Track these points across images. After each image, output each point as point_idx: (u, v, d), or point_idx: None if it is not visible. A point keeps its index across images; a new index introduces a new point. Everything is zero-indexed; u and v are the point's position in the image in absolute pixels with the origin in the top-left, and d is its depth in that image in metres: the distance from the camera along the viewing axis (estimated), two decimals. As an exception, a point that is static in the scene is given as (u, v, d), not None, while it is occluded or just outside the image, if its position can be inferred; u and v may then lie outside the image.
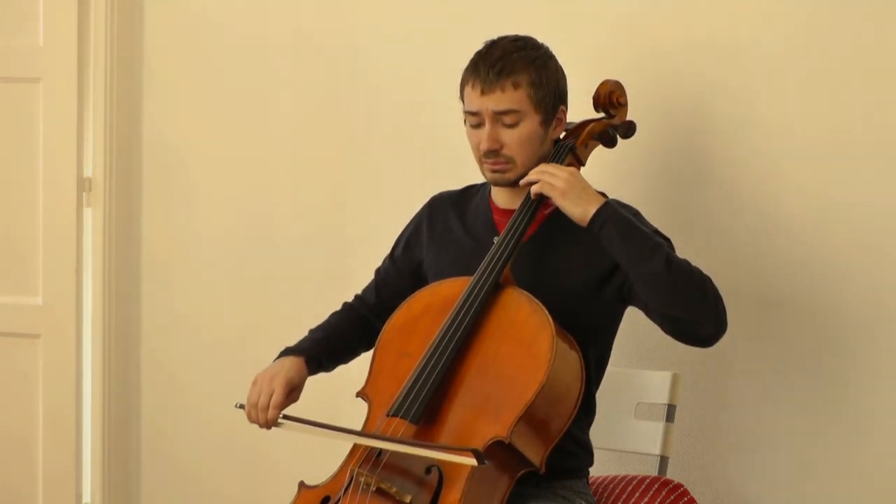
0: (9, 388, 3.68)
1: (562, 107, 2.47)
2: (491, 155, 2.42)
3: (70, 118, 3.59)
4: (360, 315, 2.64)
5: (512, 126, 2.41)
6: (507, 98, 2.39)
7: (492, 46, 2.44)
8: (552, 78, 2.44)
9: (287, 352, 2.53)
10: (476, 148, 2.44)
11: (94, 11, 3.58)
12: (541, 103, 2.42)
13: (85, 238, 3.63)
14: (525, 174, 2.41)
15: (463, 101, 2.47)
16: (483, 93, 2.40)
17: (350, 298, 2.69)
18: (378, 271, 2.67)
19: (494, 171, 2.44)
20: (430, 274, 2.55)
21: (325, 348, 2.56)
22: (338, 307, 2.68)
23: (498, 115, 2.40)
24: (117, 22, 3.57)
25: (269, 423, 2.43)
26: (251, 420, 2.45)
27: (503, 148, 2.41)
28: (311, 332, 2.61)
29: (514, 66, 2.40)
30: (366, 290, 2.67)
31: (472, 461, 2.14)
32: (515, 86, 2.39)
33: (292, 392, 2.46)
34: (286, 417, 2.42)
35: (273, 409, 2.41)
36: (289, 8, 3.40)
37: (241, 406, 2.46)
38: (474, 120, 2.43)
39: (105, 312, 3.60)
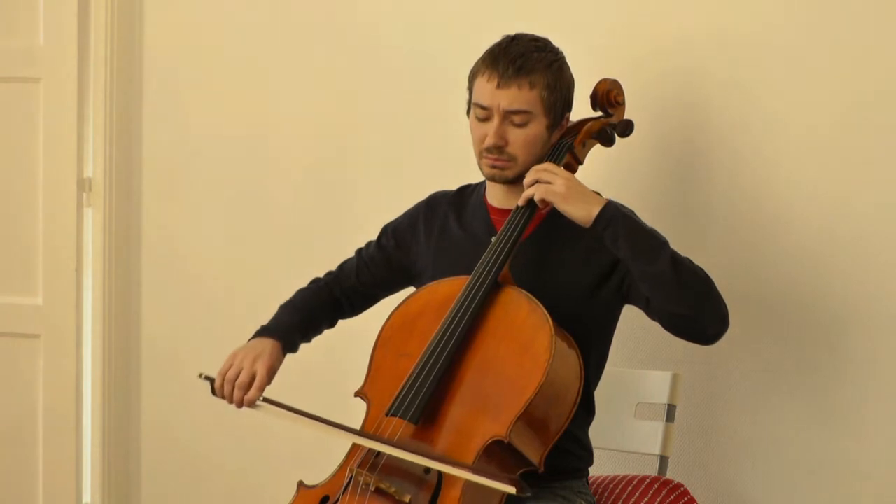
0: (9, 388, 3.68)
1: (567, 114, 2.46)
2: (494, 151, 2.40)
3: (70, 118, 3.59)
4: (333, 296, 2.63)
5: (520, 126, 2.39)
6: (521, 97, 2.37)
7: (512, 42, 2.41)
8: (565, 84, 2.43)
9: (265, 332, 2.52)
10: (479, 141, 2.42)
11: (94, 11, 3.57)
12: (552, 108, 2.41)
13: (85, 238, 3.62)
14: (523, 173, 2.40)
15: (471, 92, 2.44)
16: (499, 86, 2.37)
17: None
18: (360, 254, 2.66)
19: (493, 167, 2.42)
20: (426, 275, 2.52)
21: (301, 334, 2.56)
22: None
23: (508, 114, 2.39)
24: (117, 22, 3.56)
25: (248, 403, 2.41)
26: (221, 394, 2.43)
27: (508, 146, 2.40)
28: (288, 313, 2.58)
29: (534, 66, 2.38)
30: (344, 270, 2.65)
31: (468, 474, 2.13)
32: (532, 86, 2.38)
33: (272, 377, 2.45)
34: (265, 400, 2.39)
35: (256, 390, 2.40)
36: (289, 8, 3.40)
37: (208, 378, 2.42)
38: (482, 113, 2.41)
39: (105, 312, 3.60)
